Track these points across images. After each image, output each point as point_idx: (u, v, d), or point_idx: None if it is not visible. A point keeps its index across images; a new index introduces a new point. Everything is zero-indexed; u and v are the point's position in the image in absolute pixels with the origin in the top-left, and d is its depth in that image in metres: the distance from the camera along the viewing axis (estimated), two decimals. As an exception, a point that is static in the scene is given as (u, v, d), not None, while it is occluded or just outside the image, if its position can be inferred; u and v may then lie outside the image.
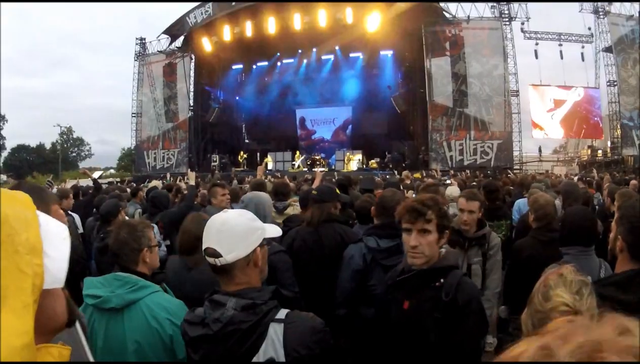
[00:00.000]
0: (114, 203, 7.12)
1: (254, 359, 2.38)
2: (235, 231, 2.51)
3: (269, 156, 40.55)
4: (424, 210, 3.23)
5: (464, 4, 34.73)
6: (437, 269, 3.28)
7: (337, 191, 5.95)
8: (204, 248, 2.53)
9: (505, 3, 34.93)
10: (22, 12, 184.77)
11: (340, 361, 4.64)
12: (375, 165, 37.00)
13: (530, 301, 2.36)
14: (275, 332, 2.40)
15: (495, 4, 35.01)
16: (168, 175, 27.01)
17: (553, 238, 5.18)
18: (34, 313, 1.09)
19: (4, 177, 76.61)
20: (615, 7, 35.21)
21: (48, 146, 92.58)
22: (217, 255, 2.46)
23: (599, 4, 35.41)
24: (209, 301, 2.54)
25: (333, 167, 37.14)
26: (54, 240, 1.22)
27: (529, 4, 35.45)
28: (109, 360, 3.20)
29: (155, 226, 7.18)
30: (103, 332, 3.21)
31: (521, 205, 9.35)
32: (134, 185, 21.35)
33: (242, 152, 41.12)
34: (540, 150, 41.82)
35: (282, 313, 2.48)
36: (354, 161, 37.65)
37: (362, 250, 4.71)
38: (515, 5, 35.09)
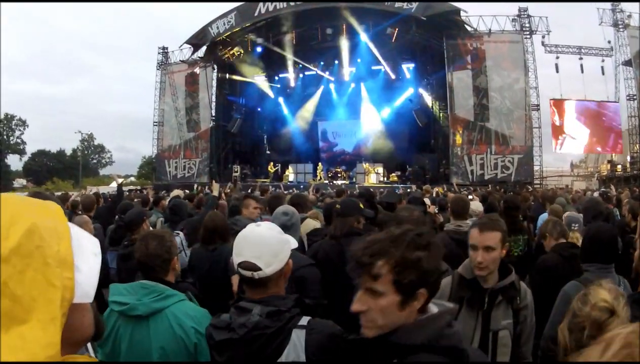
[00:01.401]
0: (138, 211, 7.20)
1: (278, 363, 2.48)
2: (273, 246, 2.65)
3: (290, 168, 40.71)
4: (369, 261, 2.09)
5: (485, 18, 34.73)
6: (389, 344, 2.10)
7: (361, 205, 5.85)
8: (238, 261, 2.62)
9: (526, 17, 34.84)
10: (45, 19, 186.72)
11: None
12: (395, 179, 37.00)
13: (568, 312, 2.36)
14: (298, 338, 2.51)
15: (516, 18, 34.95)
16: (195, 185, 27.09)
17: (574, 254, 5.21)
18: (61, 326, 1.09)
19: (23, 182, 77.32)
20: (635, 20, 34.99)
21: (69, 152, 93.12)
22: (256, 268, 2.57)
23: (618, 16, 35.20)
24: (235, 307, 2.64)
25: (354, 180, 37.16)
26: (86, 254, 1.24)
27: (550, 17, 35.36)
28: (133, 365, 3.26)
29: (181, 233, 7.32)
30: (128, 338, 3.26)
31: (541, 219, 9.21)
32: (153, 192, 21.44)
33: (272, 164, 41.12)
34: (572, 165, 41.56)
35: (304, 320, 2.58)
36: (373, 174, 37.74)
37: None
38: (536, 18, 35.00)
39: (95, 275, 1.24)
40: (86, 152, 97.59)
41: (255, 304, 2.58)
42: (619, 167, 39.10)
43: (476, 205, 8.39)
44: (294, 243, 2.90)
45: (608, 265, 4.32)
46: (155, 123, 44.75)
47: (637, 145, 35.44)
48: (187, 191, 19.58)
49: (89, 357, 1.30)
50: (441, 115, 37.53)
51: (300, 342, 2.50)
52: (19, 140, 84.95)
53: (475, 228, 3.86)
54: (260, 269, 2.56)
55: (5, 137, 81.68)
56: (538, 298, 4.82)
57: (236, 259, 2.64)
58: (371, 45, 36.60)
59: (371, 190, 13.15)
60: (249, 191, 17.51)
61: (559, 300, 4.12)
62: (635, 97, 35.24)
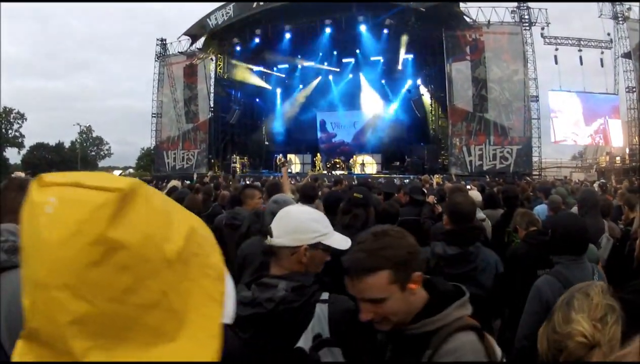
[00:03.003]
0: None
1: (304, 335, 2.57)
2: (290, 222, 2.80)
3: (295, 157, 40.78)
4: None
5: (484, 9, 34.65)
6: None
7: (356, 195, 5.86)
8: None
9: (525, 8, 34.79)
10: (43, 16, 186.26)
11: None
12: (371, 171, 37.40)
13: (550, 317, 2.19)
14: (322, 311, 2.62)
15: (515, 9, 34.91)
16: (195, 176, 27.06)
17: (542, 241, 5.20)
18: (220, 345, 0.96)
19: (22, 175, 77.16)
20: (635, 13, 34.92)
21: (67, 145, 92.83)
22: (270, 234, 2.75)
23: (618, 9, 35.17)
24: (257, 284, 2.71)
25: (353, 170, 37.39)
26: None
27: (549, 9, 35.28)
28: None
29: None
30: None
31: (540, 211, 9.18)
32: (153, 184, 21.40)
33: (280, 156, 40.96)
34: (581, 155, 41.49)
35: (325, 295, 2.72)
36: (372, 165, 37.95)
37: (426, 254, 4.48)
38: (536, 10, 34.89)
39: (233, 294, 1.08)
40: (85, 145, 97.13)
41: (279, 280, 2.66)
42: (618, 158, 39.11)
43: (475, 195, 8.39)
44: (336, 242, 2.85)
45: (578, 257, 4.16)
46: (153, 115, 44.66)
47: (637, 137, 35.43)
48: (188, 181, 19.59)
49: None
50: (440, 106, 37.50)
51: (324, 315, 2.60)
52: (17, 133, 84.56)
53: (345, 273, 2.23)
54: (272, 236, 2.74)
55: (3, 130, 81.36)
56: (511, 289, 4.86)
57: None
58: (370, 37, 36.65)
59: (369, 180, 13.15)
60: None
61: (531, 296, 4.05)
62: (634, 90, 35.22)
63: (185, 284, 0.94)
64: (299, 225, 2.78)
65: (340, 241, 2.88)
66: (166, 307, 0.90)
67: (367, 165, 39.00)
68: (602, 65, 37.03)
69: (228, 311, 1.01)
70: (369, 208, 5.59)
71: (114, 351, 0.85)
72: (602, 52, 36.70)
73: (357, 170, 37.51)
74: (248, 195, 7.37)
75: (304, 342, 2.55)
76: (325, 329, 2.58)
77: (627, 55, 35.41)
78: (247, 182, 18.45)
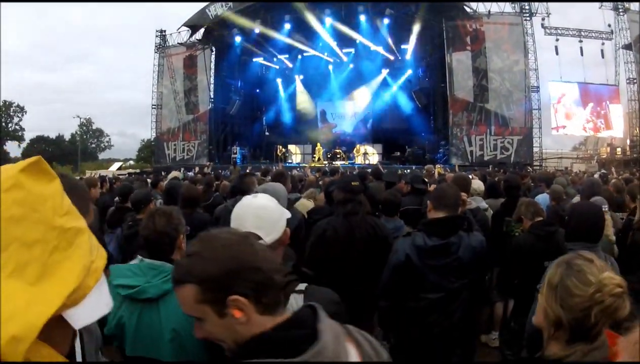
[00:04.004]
0: (145, 192, 7.17)
1: None
2: (272, 215, 2.73)
3: (296, 148, 40.72)
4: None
5: (485, -2, 34.60)
6: None
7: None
8: None
9: (525, -1, 34.72)
10: (40, 9, 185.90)
11: None
12: (370, 160, 37.35)
13: (553, 289, 2.22)
14: (297, 302, 2.52)
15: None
16: (196, 168, 27.03)
17: (550, 232, 5.18)
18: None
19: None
20: (635, 5, 34.89)
21: (67, 138, 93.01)
22: (258, 238, 2.52)
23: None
24: None
25: (354, 161, 37.28)
26: None
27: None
28: (142, 349, 3.11)
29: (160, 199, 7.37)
30: (135, 322, 3.10)
31: (541, 200, 9.18)
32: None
33: (280, 146, 40.79)
34: (582, 146, 41.42)
35: (302, 286, 2.63)
36: (371, 155, 37.92)
37: (407, 246, 4.49)
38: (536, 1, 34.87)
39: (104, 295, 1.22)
40: (85, 137, 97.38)
41: None
42: (619, 150, 39.11)
43: (477, 184, 8.35)
44: (287, 214, 2.94)
45: (593, 244, 4.20)
46: (153, 106, 44.53)
47: (637, 129, 35.42)
48: (189, 173, 19.56)
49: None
50: (440, 96, 37.45)
51: (298, 306, 2.34)
52: (17, 127, 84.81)
53: None
54: (261, 239, 2.45)
55: (3, 123, 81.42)
56: (516, 282, 4.81)
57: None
58: (370, 27, 36.56)
59: (368, 170, 13.17)
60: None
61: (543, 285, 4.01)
62: (635, 81, 35.22)
63: (62, 255, 1.06)
64: (278, 213, 2.76)
65: (287, 212, 2.94)
66: (36, 255, 1.01)
67: (369, 155, 38.86)
68: (602, 57, 37.14)
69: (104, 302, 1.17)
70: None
71: None
72: (603, 43, 36.85)
73: (360, 160, 37.39)
74: (251, 182, 7.28)
75: None
76: None
77: (627, 47, 35.46)
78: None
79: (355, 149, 38.70)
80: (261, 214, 2.70)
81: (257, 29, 37.51)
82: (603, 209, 6.49)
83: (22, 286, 0.97)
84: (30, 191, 1.05)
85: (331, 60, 42.43)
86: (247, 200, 2.79)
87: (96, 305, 1.13)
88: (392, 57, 40.26)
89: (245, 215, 2.70)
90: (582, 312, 2.10)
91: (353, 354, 1.53)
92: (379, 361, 1.68)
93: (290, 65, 44.23)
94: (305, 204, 7.42)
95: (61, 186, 1.17)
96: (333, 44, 40.09)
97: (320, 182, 11.65)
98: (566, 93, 38.00)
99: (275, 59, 43.80)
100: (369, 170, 12.66)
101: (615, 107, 37.78)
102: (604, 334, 1.95)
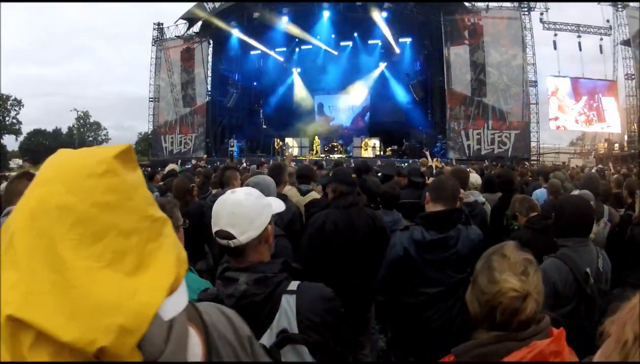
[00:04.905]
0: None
1: (268, 330, 2.41)
2: (248, 213, 2.54)
3: (293, 141, 40.66)
4: None
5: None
6: None
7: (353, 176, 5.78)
8: (215, 230, 2.55)
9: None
10: (38, 3, 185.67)
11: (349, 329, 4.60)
12: (389, 153, 36.98)
13: (474, 282, 2.33)
14: (288, 303, 2.45)
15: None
16: (194, 161, 26.99)
17: (548, 226, 5.14)
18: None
19: (19, 161, 77.16)
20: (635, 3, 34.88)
21: (65, 131, 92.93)
22: (230, 237, 2.49)
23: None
24: (221, 278, 2.56)
25: (351, 154, 37.24)
26: None
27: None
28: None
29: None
30: None
31: (539, 195, 9.18)
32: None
33: (277, 139, 40.70)
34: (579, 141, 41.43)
35: (294, 285, 2.53)
36: (370, 148, 37.82)
37: (405, 240, 4.41)
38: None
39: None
40: (82, 130, 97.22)
41: (241, 273, 2.51)
42: (616, 145, 39.11)
43: (475, 178, 8.32)
44: (277, 207, 2.81)
45: (584, 238, 4.14)
46: (151, 99, 44.52)
47: (635, 124, 35.44)
48: (188, 166, 19.54)
49: None
50: (438, 89, 37.43)
51: (290, 308, 2.44)
52: (14, 120, 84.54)
53: None
54: (234, 237, 2.48)
55: (0, 117, 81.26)
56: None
57: (213, 228, 2.57)
58: (368, 20, 36.47)
59: (368, 163, 13.14)
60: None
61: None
62: (633, 77, 35.22)
63: (155, 245, 1.06)
64: (256, 209, 2.59)
65: (278, 205, 2.84)
66: (133, 243, 1.02)
67: (370, 148, 38.75)
68: (601, 52, 37.06)
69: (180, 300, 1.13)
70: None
71: (83, 247, 0.96)
72: (601, 39, 36.77)
73: (368, 153, 37.31)
74: (232, 176, 7.39)
75: (268, 338, 2.40)
76: (292, 323, 2.42)
77: (626, 43, 35.43)
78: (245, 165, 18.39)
79: (363, 142, 38.58)
80: (236, 211, 2.53)
81: (255, 21, 37.42)
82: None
83: (120, 277, 0.97)
84: (124, 179, 1.06)
85: (329, 53, 42.23)
86: (224, 196, 2.64)
87: (181, 295, 1.14)
88: (389, 51, 40.24)
89: (220, 212, 2.55)
90: (490, 309, 2.19)
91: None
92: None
93: (288, 58, 44.13)
94: (314, 196, 7.36)
95: (143, 176, 1.17)
96: (331, 37, 40.08)
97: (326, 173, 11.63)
98: (560, 87, 37.96)
99: (272, 52, 43.64)
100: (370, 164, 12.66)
101: (608, 100, 37.75)
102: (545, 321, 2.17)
